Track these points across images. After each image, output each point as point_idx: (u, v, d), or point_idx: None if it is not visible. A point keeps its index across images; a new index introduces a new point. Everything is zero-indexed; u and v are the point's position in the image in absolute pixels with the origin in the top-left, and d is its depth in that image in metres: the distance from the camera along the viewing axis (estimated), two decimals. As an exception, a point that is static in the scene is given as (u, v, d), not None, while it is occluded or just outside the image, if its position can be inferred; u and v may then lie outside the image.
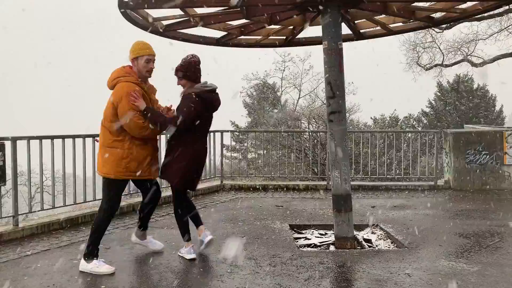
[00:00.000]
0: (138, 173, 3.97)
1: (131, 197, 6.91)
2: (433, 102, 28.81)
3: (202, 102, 4.10)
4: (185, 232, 4.29)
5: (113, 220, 5.88)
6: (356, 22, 5.87)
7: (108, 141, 3.95)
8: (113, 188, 4.01)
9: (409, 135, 11.30)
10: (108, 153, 3.94)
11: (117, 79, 3.93)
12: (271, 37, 6.40)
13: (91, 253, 3.93)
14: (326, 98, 4.93)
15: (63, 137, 5.68)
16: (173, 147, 4.18)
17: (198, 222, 4.44)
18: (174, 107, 4.21)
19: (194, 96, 4.08)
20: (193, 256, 4.23)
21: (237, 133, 14.89)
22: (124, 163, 3.91)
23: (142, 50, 3.94)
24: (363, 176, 10.23)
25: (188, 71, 4.14)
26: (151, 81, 4.23)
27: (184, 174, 4.15)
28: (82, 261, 3.94)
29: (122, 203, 6.59)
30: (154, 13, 5.38)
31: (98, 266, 3.87)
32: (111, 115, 3.89)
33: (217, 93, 4.30)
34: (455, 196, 7.91)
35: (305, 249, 4.83)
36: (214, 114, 4.39)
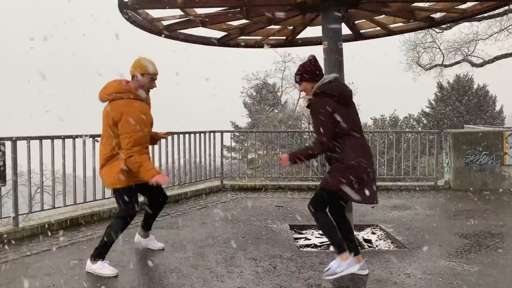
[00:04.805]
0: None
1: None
2: (433, 102, 28.79)
3: (331, 97, 3.50)
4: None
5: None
6: (356, 22, 5.87)
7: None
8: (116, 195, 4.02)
9: (409, 135, 11.29)
10: None
11: (115, 95, 3.84)
12: (271, 37, 6.40)
13: (99, 255, 3.94)
14: (326, 98, 4.91)
15: (63, 137, 5.69)
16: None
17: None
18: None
19: (319, 94, 3.54)
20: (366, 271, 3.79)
21: (237, 134, 14.90)
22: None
23: (149, 68, 3.92)
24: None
25: (305, 72, 3.66)
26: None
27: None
28: (88, 261, 3.96)
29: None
30: (154, 13, 5.38)
31: (101, 267, 3.89)
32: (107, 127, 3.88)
33: (339, 81, 3.70)
34: (455, 196, 7.91)
35: (305, 249, 4.83)
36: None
